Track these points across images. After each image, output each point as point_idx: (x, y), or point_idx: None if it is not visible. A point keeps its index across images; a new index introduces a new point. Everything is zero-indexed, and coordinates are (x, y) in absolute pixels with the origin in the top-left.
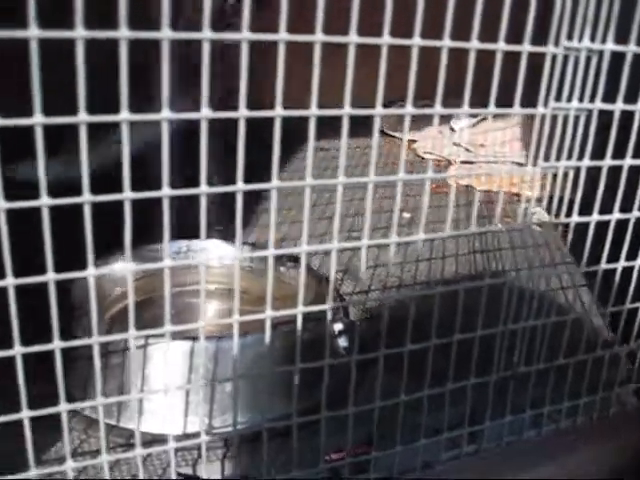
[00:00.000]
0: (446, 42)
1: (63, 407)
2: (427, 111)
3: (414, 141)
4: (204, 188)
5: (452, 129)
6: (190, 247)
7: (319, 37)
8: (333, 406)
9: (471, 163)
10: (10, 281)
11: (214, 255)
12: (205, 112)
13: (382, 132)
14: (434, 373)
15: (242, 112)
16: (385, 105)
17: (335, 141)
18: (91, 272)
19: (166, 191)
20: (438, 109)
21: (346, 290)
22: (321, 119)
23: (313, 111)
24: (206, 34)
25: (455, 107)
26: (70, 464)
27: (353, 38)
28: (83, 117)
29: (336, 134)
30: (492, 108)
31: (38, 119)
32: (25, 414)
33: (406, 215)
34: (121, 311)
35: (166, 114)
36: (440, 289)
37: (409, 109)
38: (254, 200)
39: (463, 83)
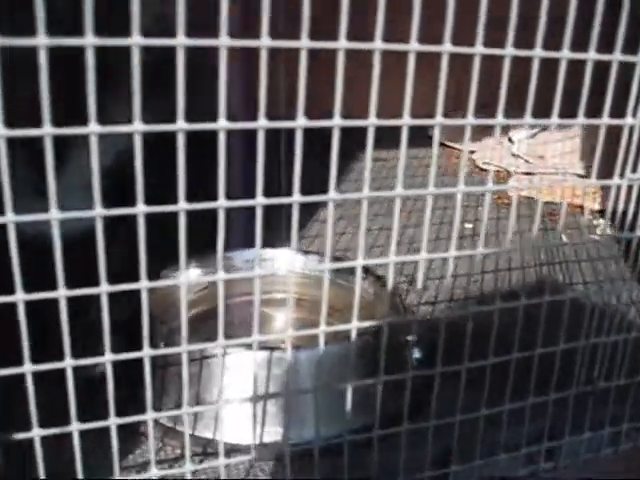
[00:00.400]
0: (509, 50)
1: (150, 415)
2: (489, 121)
3: (473, 152)
4: (260, 199)
5: (511, 140)
6: (261, 256)
7: (378, 45)
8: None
9: (531, 174)
10: (104, 288)
11: (285, 264)
12: (262, 122)
13: (440, 143)
14: (512, 388)
15: (300, 122)
16: (443, 115)
17: (393, 151)
18: (144, 284)
19: (222, 202)
20: (500, 119)
21: (412, 301)
22: (378, 129)
23: (372, 121)
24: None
25: (515, 117)
26: (154, 471)
27: (414, 45)
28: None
29: (393, 144)
30: (580, 119)
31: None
32: (112, 421)
33: (468, 226)
34: (193, 318)
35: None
36: (524, 301)
37: (470, 119)
38: (305, 210)
39: (523, 92)
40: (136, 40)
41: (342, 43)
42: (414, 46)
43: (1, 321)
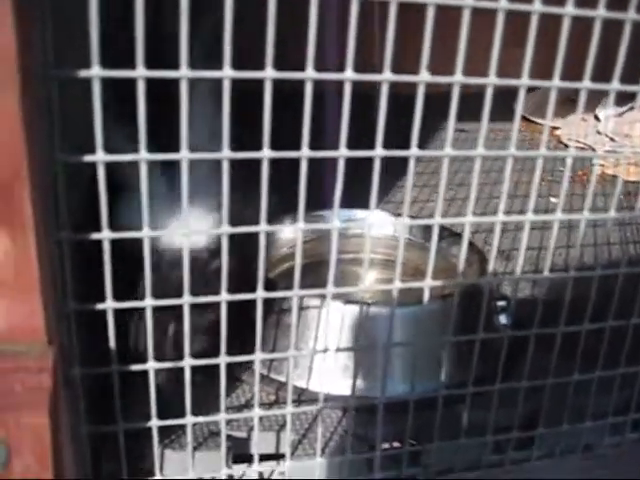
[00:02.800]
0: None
1: (222, 359)
2: (604, 87)
3: (557, 128)
4: (343, 151)
5: (597, 118)
6: (351, 217)
7: (469, 2)
8: (489, 382)
9: (616, 152)
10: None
11: (375, 225)
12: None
13: (523, 117)
14: (604, 356)
15: (386, 75)
16: (528, 90)
17: (476, 123)
18: (263, 227)
19: (343, 152)
20: (615, 85)
21: (497, 269)
22: (462, 101)
23: (458, 78)
24: None
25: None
26: (222, 416)
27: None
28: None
29: (476, 117)
30: None
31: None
32: (222, 359)
33: (554, 200)
34: (284, 272)
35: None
36: (623, 270)
37: (586, 83)
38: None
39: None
40: None
41: None
42: (502, 4)
43: None
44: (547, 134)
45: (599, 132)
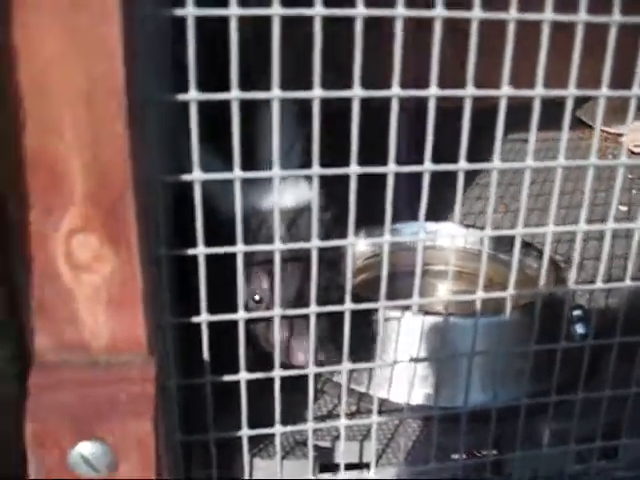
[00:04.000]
0: None
1: (311, 370)
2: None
3: (621, 135)
4: (428, 165)
5: None
6: (425, 229)
7: (513, 15)
8: (567, 392)
9: None
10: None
11: (448, 237)
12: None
13: (586, 125)
14: None
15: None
16: (587, 99)
17: (539, 133)
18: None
19: (428, 166)
20: None
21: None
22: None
23: (505, 91)
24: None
25: None
26: (310, 425)
27: (547, 15)
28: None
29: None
30: None
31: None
32: (277, 373)
33: (623, 208)
34: (360, 285)
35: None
36: None
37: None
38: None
39: None
40: None
41: (476, 13)
42: (548, 16)
43: None
44: (597, 139)
45: None
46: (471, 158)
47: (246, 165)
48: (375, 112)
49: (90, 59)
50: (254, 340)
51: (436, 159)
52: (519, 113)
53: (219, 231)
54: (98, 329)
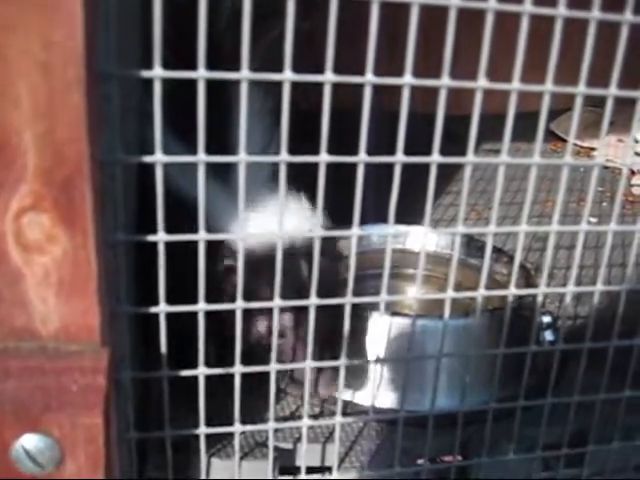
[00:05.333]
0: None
1: (272, 367)
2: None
3: (593, 149)
4: (400, 157)
5: (636, 140)
6: (395, 232)
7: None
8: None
9: None
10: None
11: (417, 241)
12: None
13: (559, 138)
14: None
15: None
16: (560, 112)
17: (514, 144)
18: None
19: (400, 157)
20: None
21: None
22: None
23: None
24: None
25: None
26: (271, 425)
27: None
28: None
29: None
30: None
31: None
32: (237, 369)
33: (593, 220)
34: None
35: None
36: None
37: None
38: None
39: None
40: None
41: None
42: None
43: None
44: (571, 147)
45: (637, 153)
46: (445, 165)
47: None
48: (348, 114)
49: (48, 24)
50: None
51: (408, 168)
52: (492, 123)
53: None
54: (48, 314)
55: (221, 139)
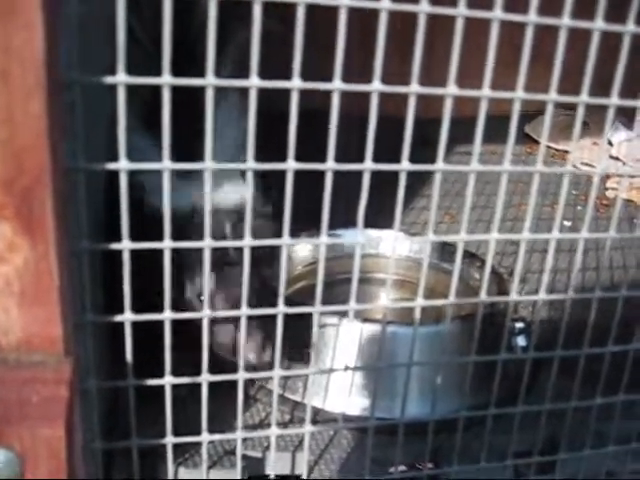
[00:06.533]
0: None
1: (240, 375)
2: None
3: (567, 152)
4: (368, 164)
5: (610, 142)
6: (367, 237)
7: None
8: (506, 405)
9: (631, 177)
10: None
11: (389, 245)
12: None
13: (534, 141)
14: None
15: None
16: (535, 115)
17: (491, 145)
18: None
19: (368, 165)
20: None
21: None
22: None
23: (450, 90)
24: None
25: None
26: (239, 434)
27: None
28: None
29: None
30: None
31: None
32: (204, 377)
33: (567, 224)
34: (298, 291)
35: (251, 164)
36: (624, 292)
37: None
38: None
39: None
40: None
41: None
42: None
43: None
44: (543, 152)
45: (612, 157)
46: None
47: (190, 160)
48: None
49: (5, 29)
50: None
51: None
52: (466, 126)
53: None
54: (9, 324)
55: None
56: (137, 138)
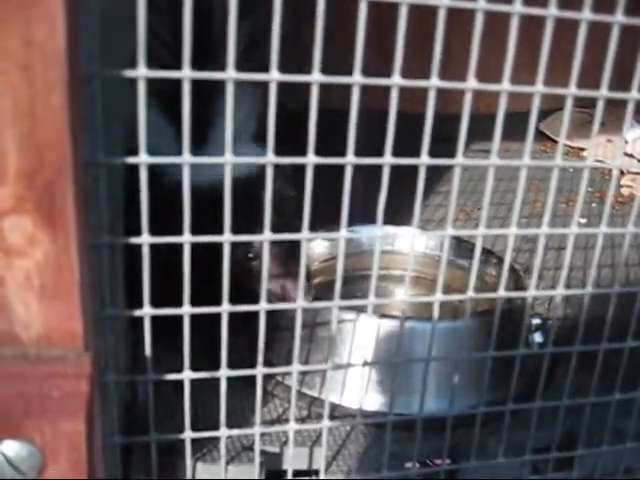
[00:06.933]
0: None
1: (259, 370)
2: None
3: (583, 149)
4: (388, 158)
5: (626, 141)
6: (384, 233)
7: (481, 5)
8: (523, 401)
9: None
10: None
11: (406, 242)
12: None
13: (548, 138)
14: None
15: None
16: (549, 113)
17: (504, 143)
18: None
19: (388, 159)
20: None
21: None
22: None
23: (470, 84)
24: None
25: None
26: (257, 429)
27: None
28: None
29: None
30: None
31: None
32: (223, 373)
33: (582, 221)
34: (316, 287)
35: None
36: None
37: (603, 92)
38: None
39: None
40: None
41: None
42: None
43: None
44: (562, 146)
45: (627, 154)
46: (434, 167)
47: (202, 142)
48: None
49: (27, 23)
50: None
51: (396, 168)
52: (482, 123)
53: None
54: (29, 319)
55: (205, 124)
56: (153, 116)
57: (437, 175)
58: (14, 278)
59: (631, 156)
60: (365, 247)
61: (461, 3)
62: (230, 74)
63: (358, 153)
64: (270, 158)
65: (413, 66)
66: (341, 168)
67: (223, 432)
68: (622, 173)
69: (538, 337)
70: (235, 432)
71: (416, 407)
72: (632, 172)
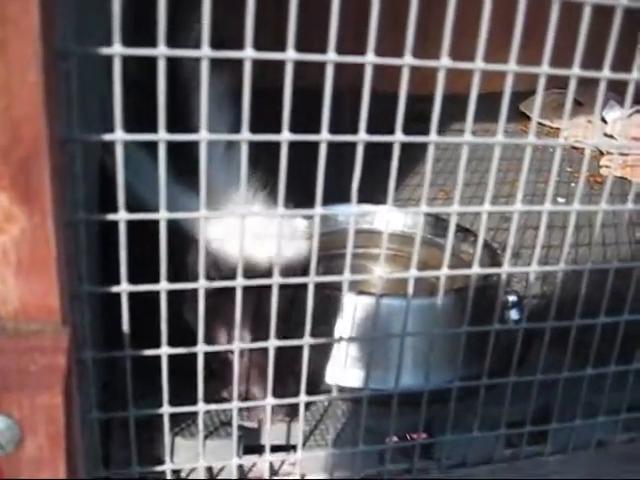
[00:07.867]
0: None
1: (236, 346)
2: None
3: (561, 129)
4: (363, 136)
5: (604, 120)
6: (360, 211)
7: None
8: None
9: (625, 155)
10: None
11: (382, 221)
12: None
13: (529, 119)
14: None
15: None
16: (529, 94)
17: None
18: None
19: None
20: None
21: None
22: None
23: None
24: None
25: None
26: (235, 404)
27: None
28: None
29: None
30: None
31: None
32: (200, 348)
33: (561, 200)
34: None
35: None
36: (616, 264)
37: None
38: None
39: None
40: None
41: None
42: None
43: None
44: (534, 125)
45: (607, 134)
46: (412, 145)
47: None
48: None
49: None
50: None
51: (371, 146)
52: (461, 103)
53: None
54: (6, 293)
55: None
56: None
57: (414, 155)
58: None
59: (611, 136)
60: (341, 226)
61: None
62: (205, 51)
63: (332, 132)
64: (245, 135)
65: (389, 48)
66: (316, 148)
67: (201, 407)
68: (601, 153)
69: (514, 314)
70: (213, 407)
71: (392, 382)
72: (610, 152)
